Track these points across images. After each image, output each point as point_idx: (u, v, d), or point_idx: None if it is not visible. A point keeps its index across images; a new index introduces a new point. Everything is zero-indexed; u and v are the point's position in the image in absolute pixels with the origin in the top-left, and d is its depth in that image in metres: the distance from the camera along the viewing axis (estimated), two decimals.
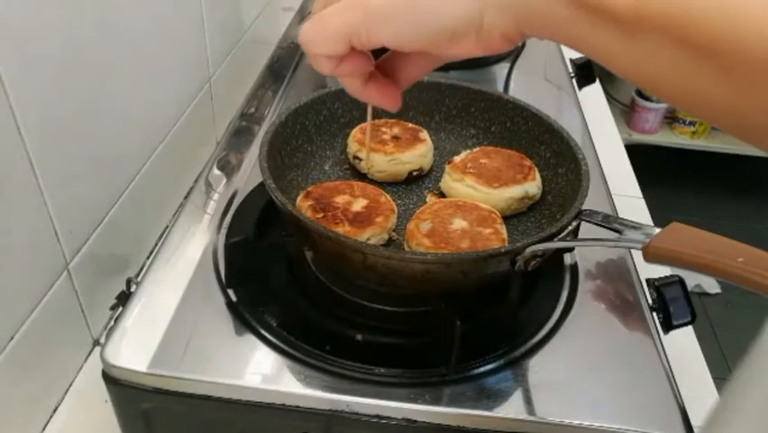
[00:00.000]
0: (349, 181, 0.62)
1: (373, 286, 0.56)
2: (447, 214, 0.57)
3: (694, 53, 0.25)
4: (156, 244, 0.76)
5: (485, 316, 0.57)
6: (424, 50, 0.33)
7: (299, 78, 0.95)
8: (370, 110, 0.53)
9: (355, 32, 0.33)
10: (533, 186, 0.63)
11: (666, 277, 0.58)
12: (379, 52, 0.38)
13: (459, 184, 0.63)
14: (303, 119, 0.66)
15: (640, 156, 1.21)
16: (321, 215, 0.56)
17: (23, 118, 0.49)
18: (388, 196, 0.61)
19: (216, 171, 0.73)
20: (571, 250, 0.63)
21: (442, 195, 0.66)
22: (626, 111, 2.45)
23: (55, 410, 0.60)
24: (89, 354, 0.65)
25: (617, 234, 0.48)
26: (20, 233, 0.51)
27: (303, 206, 0.57)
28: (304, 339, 0.53)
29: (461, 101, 0.72)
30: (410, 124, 0.70)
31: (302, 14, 1.18)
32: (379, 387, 0.50)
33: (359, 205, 0.58)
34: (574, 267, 0.62)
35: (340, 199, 0.58)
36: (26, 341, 0.53)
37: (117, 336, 0.52)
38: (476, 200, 0.61)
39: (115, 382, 0.51)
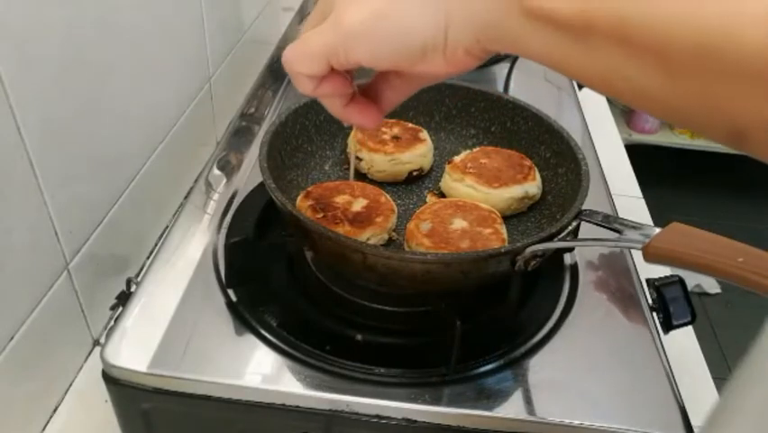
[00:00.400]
0: (349, 181, 0.62)
1: (373, 286, 0.56)
2: (447, 214, 0.57)
3: (635, 52, 0.27)
4: (156, 244, 0.76)
5: (485, 316, 0.57)
6: (398, 67, 0.35)
7: None
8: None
9: (333, 51, 0.35)
10: (533, 186, 0.63)
11: (666, 277, 0.58)
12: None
13: (459, 184, 0.63)
14: (303, 119, 0.66)
15: (640, 156, 1.21)
16: (321, 215, 0.56)
17: (23, 118, 0.49)
18: (388, 196, 0.61)
19: (216, 171, 0.73)
20: (571, 250, 0.63)
21: (442, 195, 0.66)
22: (626, 111, 2.45)
23: (55, 410, 0.60)
24: (89, 354, 0.65)
25: (617, 234, 0.48)
26: (20, 233, 0.51)
27: (303, 206, 0.57)
28: (304, 339, 0.53)
29: (461, 101, 0.72)
30: (410, 124, 0.70)
31: (302, 14, 1.18)
32: (379, 387, 0.50)
33: (359, 205, 0.58)
34: (574, 267, 0.62)
35: (340, 199, 0.58)
36: (26, 341, 0.53)
37: (117, 336, 0.52)
38: (476, 200, 0.61)
39: (115, 382, 0.51)
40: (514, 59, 1.06)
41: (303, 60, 0.37)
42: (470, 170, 0.63)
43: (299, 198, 0.59)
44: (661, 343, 0.55)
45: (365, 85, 0.42)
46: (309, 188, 0.60)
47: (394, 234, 0.59)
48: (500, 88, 0.99)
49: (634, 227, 0.47)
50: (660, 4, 0.26)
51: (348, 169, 0.69)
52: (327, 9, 0.36)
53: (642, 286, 0.61)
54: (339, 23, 0.34)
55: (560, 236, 0.51)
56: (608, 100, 1.18)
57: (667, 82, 0.27)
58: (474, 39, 0.32)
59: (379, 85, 0.42)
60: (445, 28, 0.32)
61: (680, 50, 0.25)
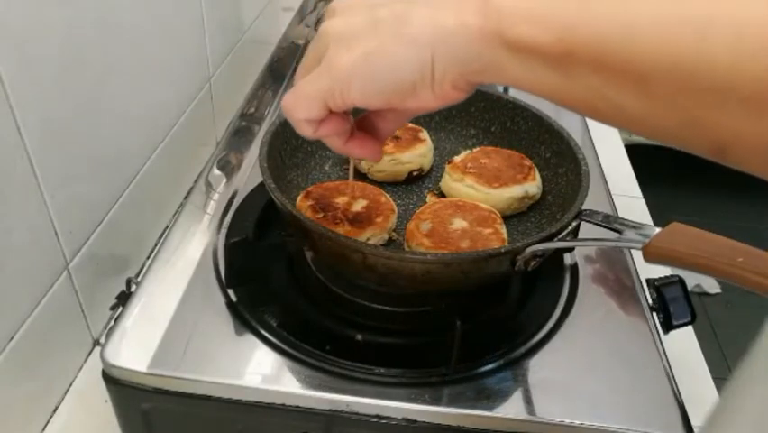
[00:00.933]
0: (349, 181, 0.62)
1: (373, 286, 0.56)
2: (447, 214, 0.57)
3: (613, 77, 0.28)
4: (156, 244, 0.76)
5: (485, 316, 0.57)
6: (390, 105, 0.37)
7: None
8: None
9: (329, 95, 0.37)
10: (533, 186, 0.63)
11: (666, 277, 0.58)
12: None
13: (459, 184, 0.63)
14: None
15: (640, 156, 1.21)
16: (321, 215, 0.56)
17: (23, 118, 0.49)
18: (388, 196, 0.61)
19: (216, 171, 0.73)
20: (571, 250, 0.63)
21: (442, 195, 0.66)
22: None
23: (55, 410, 0.60)
24: (89, 354, 0.65)
25: (617, 234, 0.48)
26: (20, 233, 0.51)
27: (303, 206, 0.57)
28: (304, 339, 0.53)
29: (462, 101, 0.72)
30: (410, 124, 0.70)
31: (302, 15, 1.18)
32: (380, 387, 0.50)
33: (359, 205, 0.58)
34: (574, 267, 0.62)
35: (340, 199, 0.58)
36: (26, 341, 0.53)
37: (117, 336, 0.52)
38: (476, 200, 0.61)
39: (115, 382, 0.51)
40: None
41: (301, 106, 0.39)
42: (470, 170, 0.63)
43: (299, 198, 0.59)
44: (661, 343, 0.55)
45: (360, 118, 0.44)
46: (309, 189, 0.60)
47: (394, 234, 0.59)
48: (500, 88, 0.99)
49: (634, 227, 0.47)
50: (635, 32, 0.27)
51: (348, 169, 0.69)
52: (320, 54, 0.37)
53: (642, 286, 0.61)
54: (332, 67, 0.36)
55: (560, 236, 0.51)
56: None
57: (646, 103, 0.28)
58: (458, 73, 0.34)
59: (372, 118, 0.44)
60: (431, 65, 0.34)
61: (656, 74, 0.27)
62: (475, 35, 0.32)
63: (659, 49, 0.26)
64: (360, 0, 0.38)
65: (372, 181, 0.66)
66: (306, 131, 0.40)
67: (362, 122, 0.44)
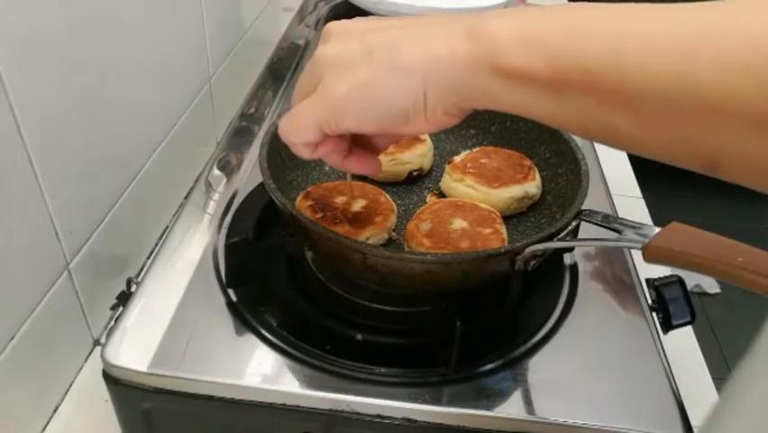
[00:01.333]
0: (348, 181, 0.62)
1: (373, 286, 0.56)
2: (447, 214, 0.57)
3: (605, 100, 0.29)
4: (156, 244, 0.76)
5: (485, 316, 0.57)
6: (384, 131, 0.38)
7: None
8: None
9: (324, 123, 0.38)
10: (532, 186, 0.63)
11: (666, 277, 0.58)
12: None
13: (459, 184, 0.63)
14: None
15: (640, 156, 1.21)
16: (320, 215, 0.56)
17: (23, 118, 0.49)
18: (387, 195, 0.61)
19: (216, 171, 0.73)
20: (570, 250, 0.63)
21: (442, 195, 0.66)
22: None
23: (55, 410, 0.60)
24: (89, 354, 0.65)
25: (616, 234, 0.48)
26: (20, 233, 0.51)
27: (302, 206, 0.57)
28: (304, 339, 0.53)
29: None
30: None
31: (302, 15, 1.18)
32: (380, 387, 0.50)
33: (358, 205, 0.58)
34: (574, 267, 0.62)
35: (339, 199, 0.58)
36: (26, 341, 0.53)
37: (117, 335, 0.52)
38: (476, 200, 0.61)
39: (116, 382, 0.51)
40: None
41: (298, 132, 0.40)
42: (470, 170, 0.63)
43: (299, 198, 0.59)
44: (660, 343, 0.55)
45: (355, 134, 0.45)
46: (309, 189, 0.60)
47: (394, 233, 0.59)
48: None
49: (633, 227, 0.47)
50: (622, 58, 0.28)
51: None
52: (314, 80, 0.38)
53: (641, 286, 0.61)
54: (327, 96, 0.37)
55: (559, 236, 0.51)
56: None
57: (638, 124, 0.29)
58: (451, 102, 0.35)
59: (368, 135, 0.46)
60: (424, 95, 0.35)
61: (646, 96, 0.27)
62: (466, 64, 0.33)
63: (646, 72, 0.27)
64: (354, 25, 0.39)
65: (372, 181, 0.66)
66: (303, 153, 0.42)
67: (359, 137, 0.45)
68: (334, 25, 0.39)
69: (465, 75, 0.33)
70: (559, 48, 0.30)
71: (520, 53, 0.31)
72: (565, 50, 0.29)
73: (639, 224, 0.47)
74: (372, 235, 0.56)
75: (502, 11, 0.34)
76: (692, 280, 1.92)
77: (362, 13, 1.02)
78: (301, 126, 0.40)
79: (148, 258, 0.75)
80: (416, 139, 0.68)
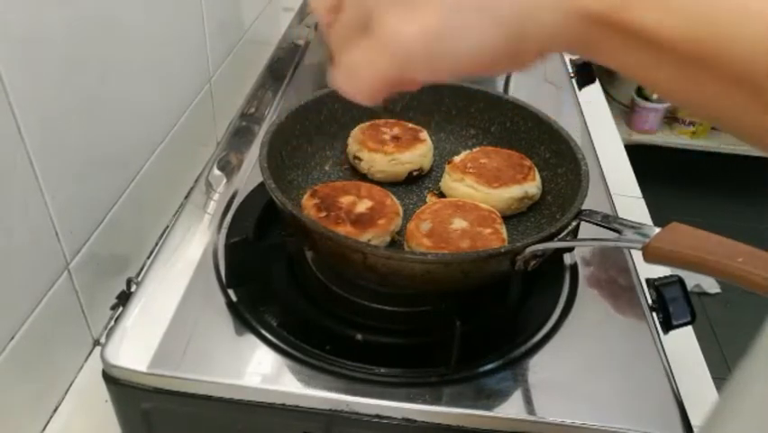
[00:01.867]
0: (356, 182, 0.62)
1: (373, 286, 0.56)
2: (447, 214, 0.57)
3: (734, 79, 0.25)
4: (156, 244, 0.76)
5: (485, 316, 0.57)
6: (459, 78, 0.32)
7: (299, 78, 0.96)
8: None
9: (393, 82, 0.31)
10: (532, 186, 0.63)
11: (666, 277, 0.58)
12: None
13: (459, 184, 0.63)
14: (303, 119, 0.66)
15: (640, 156, 1.21)
16: (324, 214, 0.56)
17: (23, 118, 0.49)
18: (394, 198, 0.60)
19: (216, 171, 0.73)
20: (570, 250, 0.63)
21: (442, 195, 0.66)
22: (626, 111, 2.45)
23: (55, 410, 0.60)
24: (89, 354, 0.65)
25: (616, 234, 0.48)
26: (20, 233, 0.51)
27: (308, 204, 0.57)
28: (304, 339, 0.53)
29: (461, 101, 0.72)
30: (410, 124, 0.70)
31: (302, 15, 1.18)
32: (380, 387, 0.50)
33: (363, 206, 0.58)
34: (574, 267, 0.62)
35: (345, 200, 0.58)
36: (26, 341, 0.53)
37: (117, 336, 0.52)
38: (476, 200, 0.61)
39: (115, 382, 0.51)
40: None
41: (363, 93, 0.33)
42: (470, 170, 0.63)
43: (305, 196, 0.59)
44: (660, 343, 0.55)
45: None
46: (317, 187, 0.60)
47: (398, 236, 0.59)
48: (500, 88, 0.99)
49: (633, 227, 0.47)
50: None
51: (348, 169, 0.69)
52: (362, 15, 0.30)
53: (642, 286, 0.61)
54: (389, 41, 0.30)
55: (559, 236, 0.51)
56: (608, 100, 1.18)
57: (758, 107, 0.25)
58: (548, 49, 0.30)
59: None
60: (517, 44, 0.29)
61: None
62: (578, 15, 0.27)
63: None
64: None
65: (373, 181, 0.66)
66: (377, 102, 0.34)
67: None
68: None
69: (575, 27, 0.27)
70: (701, 13, 0.25)
71: (659, 13, 0.25)
72: (715, 19, 0.24)
73: (639, 224, 0.47)
74: (374, 238, 0.56)
75: None
76: (692, 280, 1.92)
77: None
78: (365, 90, 0.32)
79: (148, 258, 0.75)
80: (415, 139, 0.68)
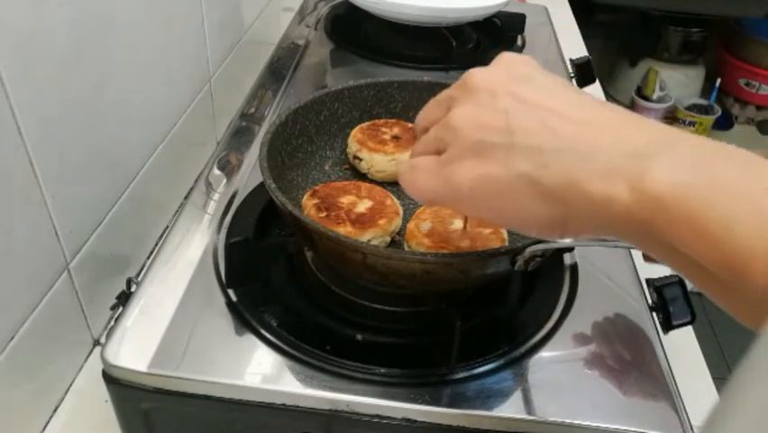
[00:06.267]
0: (357, 182, 0.62)
1: (373, 286, 0.56)
2: (447, 214, 0.57)
3: None
4: (156, 244, 0.76)
5: (485, 316, 0.57)
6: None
7: (299, 78, 0.95)
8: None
9: (441, 199, 0.35)
10: None
11: (666, 277, 0.58)
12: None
13: None
14: (303, 119, 0.66)
15: None
16: (324, 214, 0.56)
17: (23, 118, 0.49)
18: (395, 199, 0.60)
19: (216, 171, 0.73)
20: (571, 250, 0.63)
21: None
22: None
23: (55, 410, 0.60)
24: (89, 354, 0.65)
25: None
26: (20, 233, 0.51)
27: (308, 204, 0.57)
28: (304, 339, 0.53)
29: None
30: (410, 125, 0.70)
31: (302, 15, 1.18)
32: (380, 387, 0.50)
33: (363, 206, 0.58)
34: (574, 267, 0.62)
35: (345, 200, 0.58)
36: (26, 341, 0.53)
37: (117, 335, 0.52)
38: None
39: (115, 382, 0.51)
40: None
41: (417, 191, 0.37)
42: None
43: (306, 196, 0.59)
44: (660, 343, 0.55)
45: None
46: (317, 187, 0.60)
47: (398, 237, 0.59)
48: None
49: None
50: None
51: (348, 169, 0.69)
52: (442, 140, 0.35)
53: (642, 286, 0.61)
54: (450, 177, 0.34)
55: None
56: (608, 100, 1.17)
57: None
58: (590, 233, 0.32)
59: None
60: (562, 224, 0.31)
61: None
62: (620, 216, 0.28)
63: None
64: (501, 82, 0.33)
65: (372, 181, 0.66)
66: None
67: None
68: (478, 77, 0.34)
69: (618, 225, 0.29)
70: (744, 241, 0.25)
71: (692, 235, 0.26)
72: (750, 244, 0.25)
73: None
74: (374, 238, 0.56)
75: (674, 140, 0.29)
76: None
77: (362, 13, 1.02)
78: (416, 193, 0.37)
79: (148, 258, 0.75)
80: (415, 139, 0.67)
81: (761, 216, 0.25)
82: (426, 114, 0.38)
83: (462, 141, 0.33)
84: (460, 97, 0.35)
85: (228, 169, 0.74)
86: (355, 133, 0.68)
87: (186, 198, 0.73)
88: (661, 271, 0.61)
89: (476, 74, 0.35)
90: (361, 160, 0.66)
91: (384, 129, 0.68)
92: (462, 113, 0.34)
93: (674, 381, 0.52)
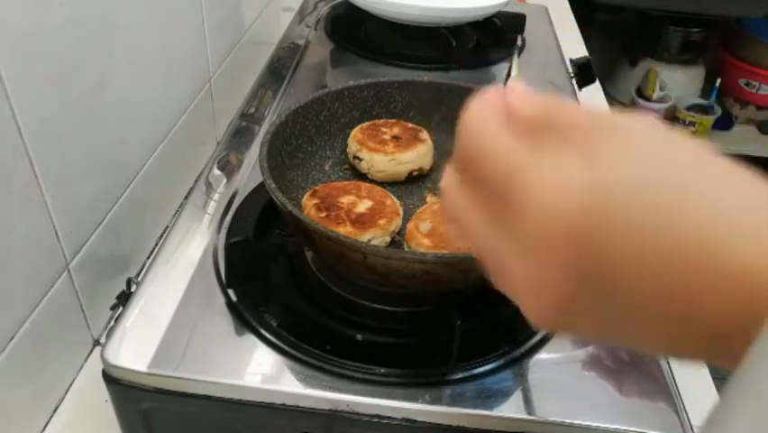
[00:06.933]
0: (357, 182, 0.62)
1: (373, 286, 0.56)
2: None
3: None
4: (156, 244, 0.76)
5: (485, 316, 0.57)
6: None
7: (299, 78, 0.95)
8: None
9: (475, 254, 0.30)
10: None
11: None
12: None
13: None
14: (303, 119, 0.66)
15: None
16: (324, 214, 0.56)
17: (23, 118, 0.49)
18: (394, 199, 0.60)
19: (216, 171, 0.73)
20: None
21: None
22: (625, 111, 2.45)
23: (55, 410, 0.60)
24: (89, 354, 0.65)
25: None
26: (20, 233, 0.51)
27: (308, 204, 0.57)
28: (304, 339, 0.53)
29: (461, 101, 0.72)
30: (410, 124, 0.70)
31: (302, 15, 1.18)
32: (380, 387, 0.50)
33: (363, 206, 0.58)
34: None
35: (345, 199, 0.58)
36: (26, 341, 0.53)
37: (117, 336, 0.52)
38: None
39: (115, 382, 0.51)
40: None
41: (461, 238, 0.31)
42: None
43: (306, 196, 0.59)
44: None
45: None
46: (317, 187, 0.60)
47: (398, 236, 0.59)
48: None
49: None
50: None
51: (348, 169, 0.69)
52: (504, 196, 0.26)
53: None
54: (499, 264, 0.29)
55: None
56: (608, 100, 1.18)
57: None
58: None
59: None
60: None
61: None
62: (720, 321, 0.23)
63: None
64: (576, 125, 0.25)
65: (372, 181, 0.66)
66: None
67: None
68: (554, 112, 0.26)
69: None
70: None
71: None
72: None
73: None
74: (374, 237, 0.56)
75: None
76: None
77: (362, 13, 1.02)
78: (466, 240, 0.31)
79: (148, 258, 0.75)
80: (415, 139, 0.68)
81: None
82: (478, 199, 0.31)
83: (528, 204, 0.26)
84: (528, 144, 0.27)
85: (228, 169, 0.74)
86: (355, 133, 0.68)
87: (186, 198, 0.73)
88: None
89: (552, 109, 0.27)
90: (360, 160, 0.66)
91: (384, 129, 0.68)
92: (532, 165, 0.26)
93: (674, 381, 0.52)
